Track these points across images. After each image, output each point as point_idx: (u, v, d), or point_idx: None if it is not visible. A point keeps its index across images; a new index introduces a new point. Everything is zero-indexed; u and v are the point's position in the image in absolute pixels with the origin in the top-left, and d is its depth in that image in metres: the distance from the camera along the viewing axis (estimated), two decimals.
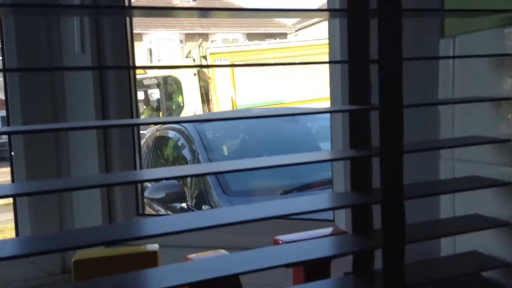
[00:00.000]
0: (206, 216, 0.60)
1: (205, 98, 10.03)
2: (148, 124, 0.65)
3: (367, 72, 0.64)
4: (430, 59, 0.77)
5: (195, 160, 3.33)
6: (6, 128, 0.60)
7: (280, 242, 0.72)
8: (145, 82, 10.20)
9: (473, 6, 0.76)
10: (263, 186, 2.92)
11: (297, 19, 22.65)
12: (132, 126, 1.07)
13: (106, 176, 0.80)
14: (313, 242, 0.60)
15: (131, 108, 1.10)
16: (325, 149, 3.37)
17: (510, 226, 0.64)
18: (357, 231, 0.62)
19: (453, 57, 0.70)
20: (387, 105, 0.59)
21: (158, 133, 4.11)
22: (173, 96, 10.66)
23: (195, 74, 10.28)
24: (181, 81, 10.07)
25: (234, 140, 4.02)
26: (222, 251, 0.72)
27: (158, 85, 10.53)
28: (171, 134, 4.06)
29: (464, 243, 0.73)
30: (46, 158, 1.06)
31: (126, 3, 1.13)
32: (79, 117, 1.06)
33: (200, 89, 10.37)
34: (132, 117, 1.09)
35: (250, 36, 20.47)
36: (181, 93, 10.22)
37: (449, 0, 0.81)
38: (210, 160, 3.24)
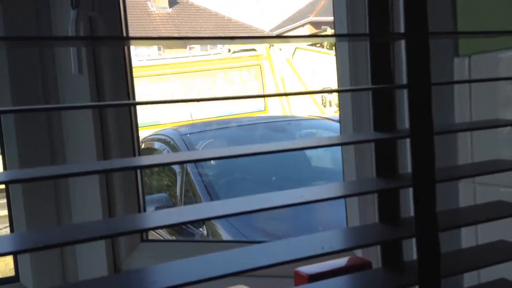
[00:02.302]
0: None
1: None
2: (152, 166, 0.61)
3: (392, 97, 0.62)
4: (457, 83, 0.75)
5: (184, 171, 3.28)
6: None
7: (301, 273, 0.69)
8: None
9: (489, 26, 0.75)
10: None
11: (274, 26, 22.75)
12: (135, 168, 1.03)
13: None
14: (347, 280, 0.57)
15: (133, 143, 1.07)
16: (317, 158, 3.35)
17: None
18: (388, 265, 0.59)
19: (483, 80, 0.69)
20: (418, 132, 0.56)
21: (143, 144, 4.05)
22: None
23: None
24: None
25: (222, 148, 3.97)
26: (243, 286, 0.68)
27: None
28: (157, 145, 4.01)
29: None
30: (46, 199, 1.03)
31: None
32: (79, 154, 1.03)
33: None
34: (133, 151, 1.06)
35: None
36: None
37: (462, 19, 0.79)
38: (199, 172, 3.19)
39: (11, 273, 1.11)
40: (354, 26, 0.83)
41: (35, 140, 1.01)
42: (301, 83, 9.03)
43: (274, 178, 3.02)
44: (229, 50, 9.33)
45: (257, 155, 0.56)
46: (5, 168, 1.01)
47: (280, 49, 9.26)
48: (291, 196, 0.54)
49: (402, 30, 0.56)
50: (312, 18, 19.61)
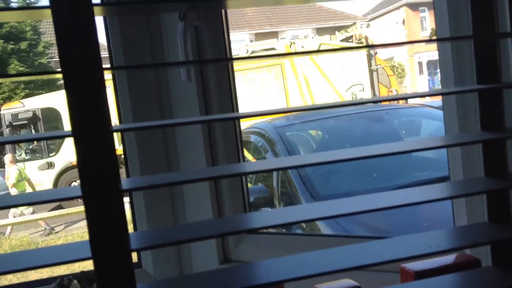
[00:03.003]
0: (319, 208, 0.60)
1: None
2: (255, 173, 0.65)
3: (500, 96, 0.61)
4: None
5: None
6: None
7: (407, 270, 0.70)
8: (20, 116, 9.83)
9: None
10: (352, 190, 2.88)
11: (368, 10, 22.04)
12: (241, 175, 1.09)
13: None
14: (456, 278, 0.58)
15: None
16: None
17: None
18: (499, 264, 0.59)
19: None
20: None
21: None
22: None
23: None
24: (59, 111, 9.75)
25: (316, 140, 4.00)
26: (349, 280, 0.71)
27: (32, 120, 9.98)
28: (252, 138, 4.12)
29: None
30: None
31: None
32: (191, 159, 1.12)
33: None
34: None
35: (320, 31, 20.22)
36: (62, 126, 9.89)
37: None
38: None
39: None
40: (456, 21, 0.81)
41: (152, 148, 1.12)
42: (328, 83, 8.41)
43: (375, 175, 2.95)
44: (247, 51, 9.17)
45: (357, 159, 0.58)
46: (128, 175, 1.13)
47: (303, 47, 8.63)
48: (396, 197, 0.56)
49: (506, 28, 0.55)
50: None
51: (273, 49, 8.72)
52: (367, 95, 8.89)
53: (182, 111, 1.13)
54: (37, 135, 0.49)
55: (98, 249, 0.47)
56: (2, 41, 15.43)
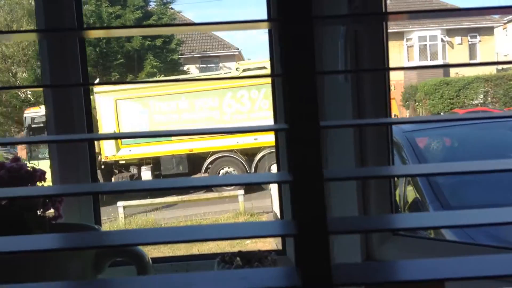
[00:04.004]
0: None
1: None
2: (399, 176, 0.67)
3: None
4: None
5: None
6: None
7: None
8: (36, 120, 10.33)
9: None
10: (486, 202, 2.72)
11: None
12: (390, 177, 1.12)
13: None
14: None
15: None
16: None
17: None
18: None
19: None
20: None
21: None
22: None
23: None
24: None
25: (446, 147, 3.83)
26: None
27: (45, 124, 10.41)
28: None
29: None
30: None
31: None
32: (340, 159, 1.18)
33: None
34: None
35: (450, 32, 19.07)
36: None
37: None
38: None
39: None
40: None
41: None
42: None
43: None
44: (238, 69, 9.76)
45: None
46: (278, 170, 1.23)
47: None
48: None
49: None
50: None
51: (263, 68, 9.28)
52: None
53: (334, 111, 1.19)
54: (248, 128, 0.55)
55: (302, 228, 0.55)
56: (141, 37, 16.91)
